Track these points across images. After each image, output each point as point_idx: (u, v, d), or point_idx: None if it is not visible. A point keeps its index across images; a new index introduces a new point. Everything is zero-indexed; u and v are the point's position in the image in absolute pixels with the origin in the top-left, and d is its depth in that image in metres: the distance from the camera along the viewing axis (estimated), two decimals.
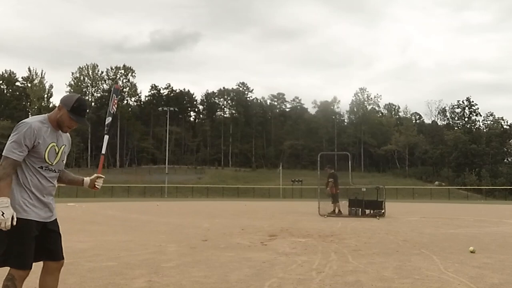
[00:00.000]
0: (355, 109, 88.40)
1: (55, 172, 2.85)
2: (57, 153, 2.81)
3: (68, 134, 2.97)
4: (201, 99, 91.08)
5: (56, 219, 2.87)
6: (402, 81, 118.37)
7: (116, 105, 3.37)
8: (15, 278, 2.61)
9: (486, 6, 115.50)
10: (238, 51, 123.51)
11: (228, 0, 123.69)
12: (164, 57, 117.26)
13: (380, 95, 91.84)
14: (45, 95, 79.78)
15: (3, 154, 2.63)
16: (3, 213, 2.51)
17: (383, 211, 14.13)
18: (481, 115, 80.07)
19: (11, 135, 2.68)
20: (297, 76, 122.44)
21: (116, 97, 3.33)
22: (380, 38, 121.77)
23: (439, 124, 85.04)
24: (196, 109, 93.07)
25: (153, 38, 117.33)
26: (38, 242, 2.72)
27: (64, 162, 2.91)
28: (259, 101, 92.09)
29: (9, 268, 2.64)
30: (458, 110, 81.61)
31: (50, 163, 2.77)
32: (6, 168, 2.60)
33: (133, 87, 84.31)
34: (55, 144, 2.79)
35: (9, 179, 2.61)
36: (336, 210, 14.65)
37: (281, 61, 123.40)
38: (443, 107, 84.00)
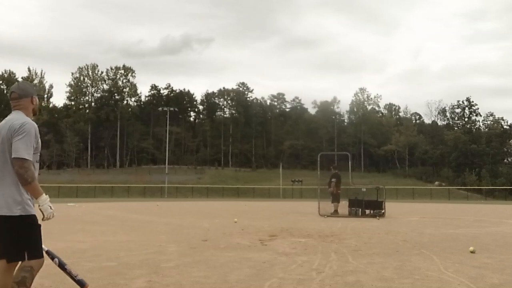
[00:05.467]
0: (355, 109, 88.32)
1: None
2: None
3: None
4: (201, 99, 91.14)
5: None
6: (411, 86, 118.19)
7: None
8: (34, 268, 2.82)
9: (500, 15, 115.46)
10: (259, 58, 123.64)
11: (234, 5, 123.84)
12: (171, 60, 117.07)
13: (380, 95, 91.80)
14: (45, 95, 79.66)
15: (20, 156, 2.78)
16: (51, 207, 2.90)
17: (383, 211, 14.12)
18: (481, 115, 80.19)
19: (20, 135, 2.82)
20: (299, 80, 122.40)
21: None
22: (392, 45, 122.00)
23: (439, 124, 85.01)
24: (196, 109, 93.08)
25: (162, 43, 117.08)
26: None
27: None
28: (259, 101, 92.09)
29: (20, 262, 2.80)
30: (458, 110, 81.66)
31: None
32: (32, 170, 2.83)
33: (133, 87, 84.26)
34: None
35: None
36: (334, 210, 14.69)
37: (291, 66, 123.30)
38: (443, 107, 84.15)
